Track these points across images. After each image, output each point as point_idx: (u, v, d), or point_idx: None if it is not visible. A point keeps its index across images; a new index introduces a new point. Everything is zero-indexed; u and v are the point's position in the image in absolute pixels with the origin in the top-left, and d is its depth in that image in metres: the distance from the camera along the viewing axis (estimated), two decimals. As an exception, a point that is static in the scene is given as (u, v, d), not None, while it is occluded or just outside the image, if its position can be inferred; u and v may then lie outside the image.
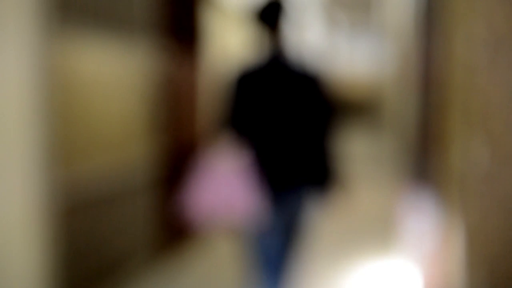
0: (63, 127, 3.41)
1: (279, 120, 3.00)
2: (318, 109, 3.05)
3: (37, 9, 3.02)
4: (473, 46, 2.85)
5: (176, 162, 5.12)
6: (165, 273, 4.76)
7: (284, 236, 3.01)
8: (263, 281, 2.98)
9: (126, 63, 4.12)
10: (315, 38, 16.53)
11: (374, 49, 25.69)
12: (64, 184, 3.41)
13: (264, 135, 2.99)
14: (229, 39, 7.12)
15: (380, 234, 5.82)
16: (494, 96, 2.63)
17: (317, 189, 3.04)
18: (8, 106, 2.96)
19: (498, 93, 2.62)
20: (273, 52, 3.05)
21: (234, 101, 3.03)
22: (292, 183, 3.01)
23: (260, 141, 2.98)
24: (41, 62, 3.12)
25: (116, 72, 3.98)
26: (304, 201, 3.02)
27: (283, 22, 3.05)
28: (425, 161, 3.17)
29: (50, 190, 3.24)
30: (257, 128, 3.00)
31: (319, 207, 3.10)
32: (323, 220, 3.25)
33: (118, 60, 4.00)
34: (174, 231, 5.13)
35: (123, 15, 4.08)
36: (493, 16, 2.62)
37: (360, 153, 13.37)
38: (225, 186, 2.78)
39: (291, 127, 3.01)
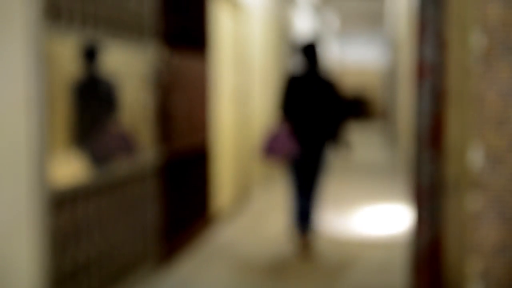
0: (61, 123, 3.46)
1: (309, 108, 5.21)
2: (333, 102, 5.23)
3: (35, 15, 3.07)
4: (469, 52, 2.93)
5: (180, 160, 5.19)
6: (170, 273, 4.82)
7: (311, 171, 5.27)
8: (298, 196, 5.30)
9: (131, 62, 4.23)
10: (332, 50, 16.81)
11: (380, 55, 25.80)
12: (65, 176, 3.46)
13: (299, 118, 5.22)
14: (241, 36, 7.22)
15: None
16: (488, 103, 2.70)
17: (331, 146, 5.31)
18: (8, 108, 2.99)
19: (490, 100, 2.70)
20: (308, 67, 5.27)
21: (285, 95, 5.26)
22: (316, 142, 5.23)
23: (298, 119, 5.22)
24: (40, 65, 3.15)
25: (122, 69, 4.08)
26: (323, 152, 5.26)
27: (316, 53, 5.29)
28: (421, 160, 3.25)
29: (49, 182, 3.27)
30: (297, 111, 5.22)
31: (332, 156, 5.44)
32: (334, 163, 5.74)
33: (125, 59, 4.11)
34: (178, 230, 5.16)
35: (126, 20, 4.17)
36: (489, 22, 2.68)
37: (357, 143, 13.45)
38: (280, 137, 5.11)
39: (316, 112, 5.21)
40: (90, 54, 3.71)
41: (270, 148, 5.12)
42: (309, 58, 5.26)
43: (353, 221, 6.53)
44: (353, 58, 26.79)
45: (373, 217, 6.72)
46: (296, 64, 5.54)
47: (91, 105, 3.79)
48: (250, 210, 7.25)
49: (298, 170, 5.27)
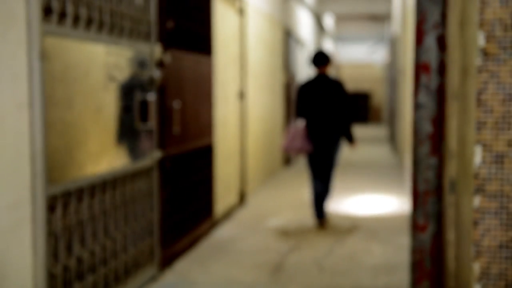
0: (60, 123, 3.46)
1: (320, 108, 6.34)
2: (341, 101, 6.34)
3: (38, 16, 3.08)
4: (469, 52, 2.94)
5: (182, 160, 5.20)
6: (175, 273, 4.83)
7: (324, 161, 6.38)
8: (314, 181, 6.45)
9: (135, 62, 4.24)
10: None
11: (380, 55, 25.81)
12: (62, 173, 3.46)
13: (313, 116, 6.35)
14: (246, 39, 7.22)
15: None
16: (488, 102, 2.71)
17: (340, 139, 6.39)
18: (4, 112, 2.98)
19: (490, 100, 2.71)
20: (319, 73, 6.43)
21: (301, 97, 6.45)
22: (327, 137, 6.33)
23: (311, 118, 6.36)
24: (41, 66, 3.15)
25: (126, 69, 4.10)
26: (334, 145, 6.35)
27: (325, 60, 6.41)
28: (419, 160, 3.25)
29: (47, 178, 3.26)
30: (310, 111, 6.37)
31: (341, 147, 6.48)
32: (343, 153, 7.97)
33: (128, 60, 4.13)
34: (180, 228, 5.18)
35: (130, 21, 4.18)
36: (489, 22, 2.68)
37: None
38: (297, 136, 6.25)
39: (326, 111, 6.33)
40: (142, 62, 4.20)
41: (290, 145, 6.32)
42: (319, 65, 6.44)
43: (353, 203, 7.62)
44: (352, 58, 26.82)
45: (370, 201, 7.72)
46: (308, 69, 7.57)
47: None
48: (251, 208, 7.26)
49: (313, 161, 6.42)
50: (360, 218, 6.78)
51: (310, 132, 6.30)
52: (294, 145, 6.25)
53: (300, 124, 6.31)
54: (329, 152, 6.35)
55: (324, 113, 6.32)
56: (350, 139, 6.39)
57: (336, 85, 6.34)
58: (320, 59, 6.39)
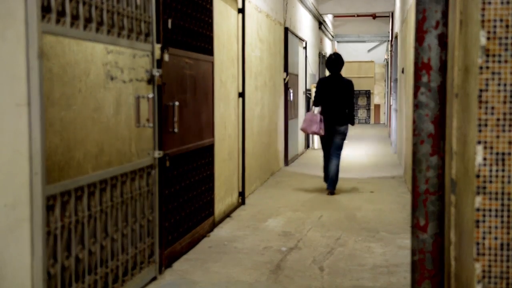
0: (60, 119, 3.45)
1: (333, 100, 8.25)
2: (348, 96, 8.29)
3: (37, 15, 3.07)
4: (470, 51, 2.93)
5: (182, 159, 5.19)
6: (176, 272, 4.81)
7: (334, 141, 8.29)
8: (326, 159, 8.47)
9: (135, 62, 4.23)
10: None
11: (381, 53, 25.82)
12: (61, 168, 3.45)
13: (327, 105, 8.29)
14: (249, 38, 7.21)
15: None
16: (488, 102, 2.70)
17: (346, 124, 8.31)
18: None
19: (491, 99, 2.69)
20: (333, 73, 8.37)
21: (318, 91, 8.37)
22: (337, 122, 8.23)
23: (326, 107, 8.30)
24: (40, 66, 3.14)
25: (126, 69, 4.09)
26: (342, 127, 8.25)
27: (337, 62, 8.37)
28: (418, 158, 3.24)
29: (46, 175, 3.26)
30: (325, 102, 8.32)
31: (347, 132, 8.41)
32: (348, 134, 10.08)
33: (128, 59, 4.11)
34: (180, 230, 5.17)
35: (129, 21, 4.17)
36: (490, 21, 2.67)
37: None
38: (313, 121, 8.22)
39: (338, 102, 8.24)
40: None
41: (307, 128, 8.24)
42: (333, 66, 8.33)
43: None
44: (352, 57, 26.82)
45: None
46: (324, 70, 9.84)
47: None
48: (251, 208, 7.24)
49: (326, 142, 8.33)
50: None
51: (325, 117, 8.17)
52: (311, 128, 8.18)
53: (316, 111, 8.32)
54: (338, 134, 8.22)
55: (336, 104, 8.21)
56: (352, 123, 8.35)
57: (347, 83, 8.31)
58: (334, 66, 8.31)
